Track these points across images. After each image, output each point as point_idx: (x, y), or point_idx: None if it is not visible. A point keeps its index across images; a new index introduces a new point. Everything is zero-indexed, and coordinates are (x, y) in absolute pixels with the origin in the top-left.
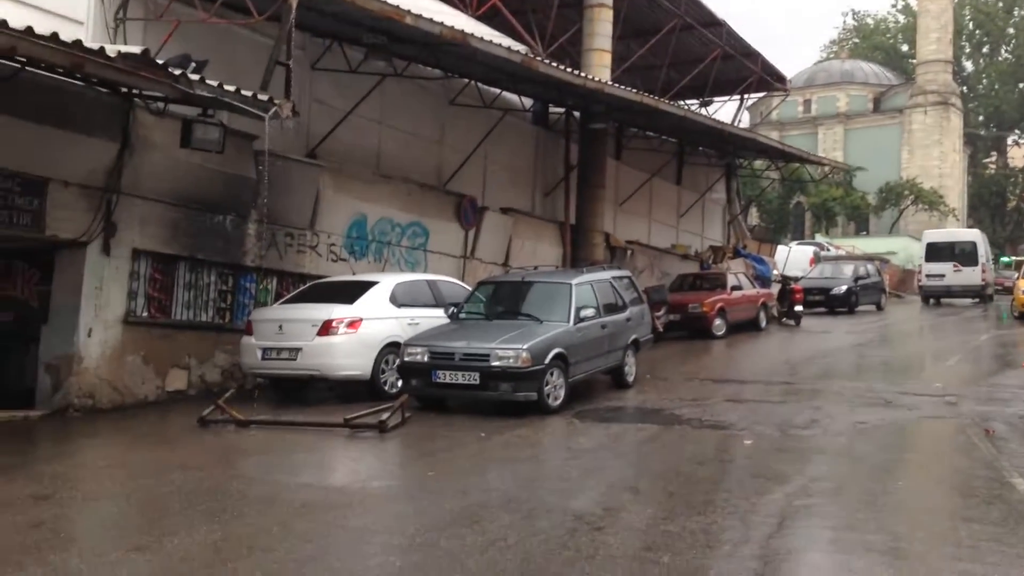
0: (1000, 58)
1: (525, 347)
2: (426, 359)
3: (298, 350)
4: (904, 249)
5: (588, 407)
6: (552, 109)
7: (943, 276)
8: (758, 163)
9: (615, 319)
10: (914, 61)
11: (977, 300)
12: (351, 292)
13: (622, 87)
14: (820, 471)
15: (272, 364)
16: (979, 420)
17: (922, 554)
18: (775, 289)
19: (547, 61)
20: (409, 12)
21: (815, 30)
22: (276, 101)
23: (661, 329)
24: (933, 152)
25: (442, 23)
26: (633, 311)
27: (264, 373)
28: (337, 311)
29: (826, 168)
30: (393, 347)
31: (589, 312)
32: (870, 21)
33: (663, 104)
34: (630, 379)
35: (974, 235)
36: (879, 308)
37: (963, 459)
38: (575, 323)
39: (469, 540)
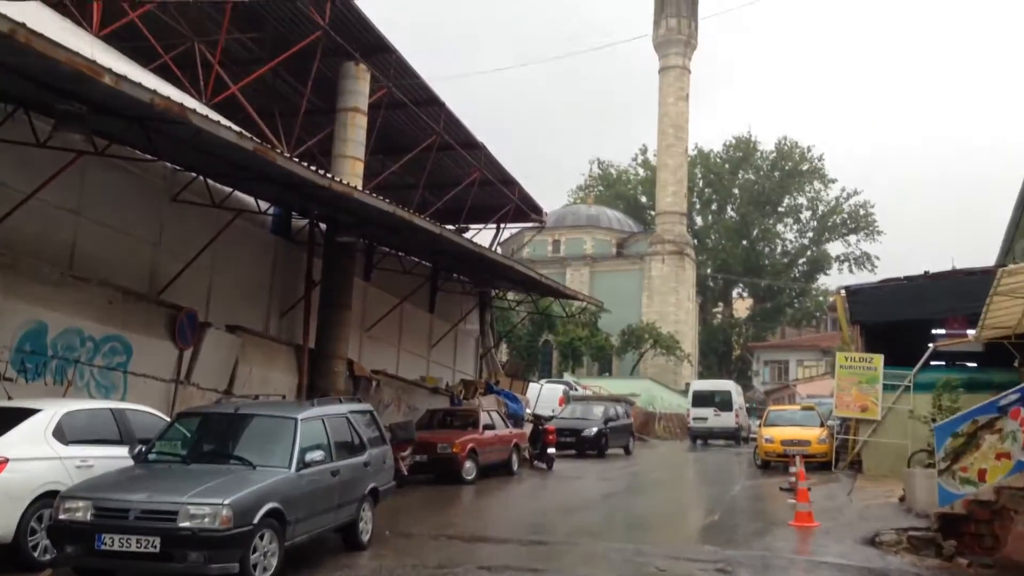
0: (727, 216)
1: (226, 501)
2: (89, 517)
3: None
4: (646, 391)
5: None
6: (296, 219)
7: (706, 419)
8: (511, 295)
9: (350, 463)
10: (653, 212)
11: (732, 442)
12: None
13: (373, 195)
14: None
15: None
16: None
17: None
18: (528, 429)
19: (287, 155)
20: (109, 71)
21: (563, 175)
22: None
23: (406, 472)
24: (670, 299)
25: (155, 91)
26: (373, 453)
27: None
28: None
29: (575, 307)
30: (52, 498)
31: (317, 455)
32: (613, 171)
33: (418, 219)
34: (365, 538)
35: (730, 385)
36: (627, 451)
37: None
38: (298, 469)
39: None
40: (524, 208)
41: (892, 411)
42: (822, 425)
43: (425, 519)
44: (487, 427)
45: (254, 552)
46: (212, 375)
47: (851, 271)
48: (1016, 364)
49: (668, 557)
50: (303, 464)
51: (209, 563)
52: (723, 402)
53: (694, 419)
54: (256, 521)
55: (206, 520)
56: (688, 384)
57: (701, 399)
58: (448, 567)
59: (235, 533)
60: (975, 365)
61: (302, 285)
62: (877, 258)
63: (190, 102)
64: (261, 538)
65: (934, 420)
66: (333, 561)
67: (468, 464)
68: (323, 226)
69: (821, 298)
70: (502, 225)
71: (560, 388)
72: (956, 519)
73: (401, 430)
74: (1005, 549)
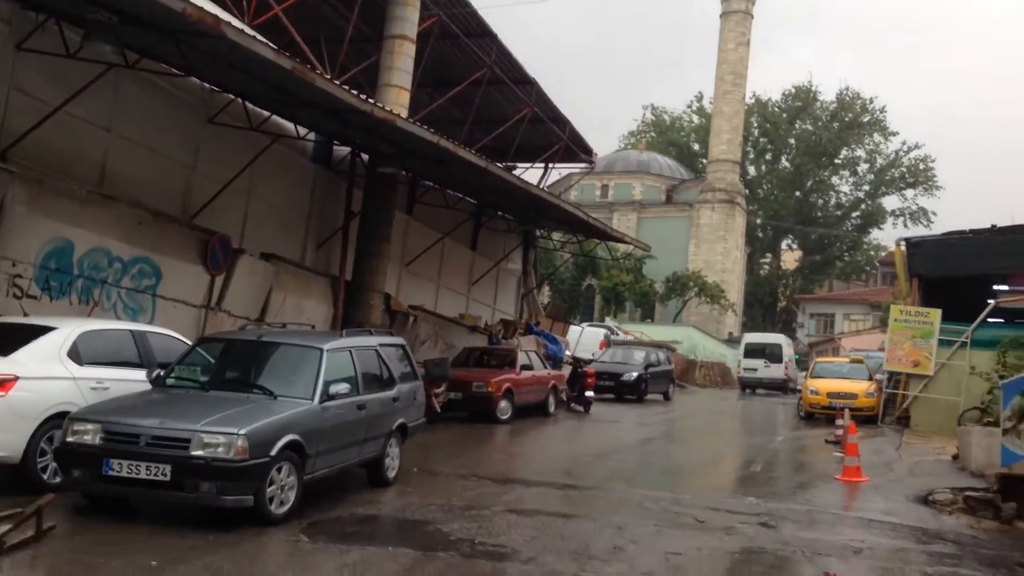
0: (781, 166)
1: (242, 431)
2: (97, 441)
3: None
4: (688, 339)
5: (327, 515)
6: (337, 148)
7: (756, 370)
8: (556, 235)
9: (378, 398)
10: (705, 160)
11: (779, 392)
12: (12, 339)
13: (417, 124)
14: None
15: None
16: (809, 552)
17: None
18: (566, 371)
19: (328, 77)
20: None
21: (613, 121)
22: None
23: (439, 409)
24: (718, 247)
25: (188, 1)
26: (403, 389)
27: None
28: None
29: (621, 252)
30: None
31: (342, 388)
32: (667, 118)
33: (463, 151)
34: (391, 474)
35: (781, 339)
36: (667, 398)
37: None
38: (321, 401)
39: None
40: (574, 148)
41: (945, 367)
42: (870, 379)
43: (455, 458)
44: (525, 367)
45: (271, 485)
46: (244, 302)
47: (906, 226)
48: None
49: (707, 508)
50: (327, 396)
51: (222, 494)
52: (773, 354)
53: (745, 369)
54: (274, 453)
55: (220, 450)
56: (731, 333)
57: (753, 351)
58: (476, 508)
59: (250, 464)
60: None
61: (341, 215)
62: (934, 213)
63: (234, 23)
64: (279, 471)
65: (1002, 377)
66: (356, 497)
67: (503, 404)
68: (365, 156)
69: (873, 252)
70: (550, 165)
71: (601, 332)
72: (1017, 480)
73: (436, 367)
74: None
